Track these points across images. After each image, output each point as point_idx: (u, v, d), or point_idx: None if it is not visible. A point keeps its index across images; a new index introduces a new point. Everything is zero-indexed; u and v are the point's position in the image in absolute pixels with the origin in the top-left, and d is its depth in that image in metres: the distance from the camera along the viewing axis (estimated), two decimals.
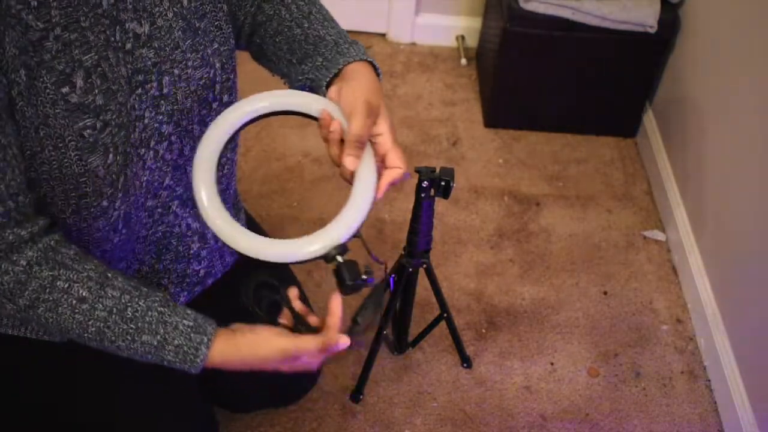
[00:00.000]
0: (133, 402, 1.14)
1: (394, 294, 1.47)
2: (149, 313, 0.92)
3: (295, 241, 0.96)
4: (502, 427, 1.55)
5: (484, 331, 1.72)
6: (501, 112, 2.22)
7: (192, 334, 0.93)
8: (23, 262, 0.89)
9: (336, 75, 1.03)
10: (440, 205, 1.93)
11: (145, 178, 1.03)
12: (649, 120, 2.18)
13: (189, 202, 1.12)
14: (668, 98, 2.09)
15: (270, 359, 0.95)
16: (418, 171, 1.27)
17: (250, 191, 1.98)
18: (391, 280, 1.47)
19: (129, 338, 0.92)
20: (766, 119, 1.55)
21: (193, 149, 1.06)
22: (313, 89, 1.08)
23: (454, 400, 1.59)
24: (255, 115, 1.01)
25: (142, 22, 0.95)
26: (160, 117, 1.00)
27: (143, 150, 1.01)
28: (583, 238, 1.95)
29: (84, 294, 0.90)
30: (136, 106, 0.97)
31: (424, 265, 1.44)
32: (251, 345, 0.95)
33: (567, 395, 1.61)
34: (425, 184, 1.27)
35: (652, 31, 2.00)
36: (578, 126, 2.24)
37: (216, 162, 0.99)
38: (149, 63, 0.97)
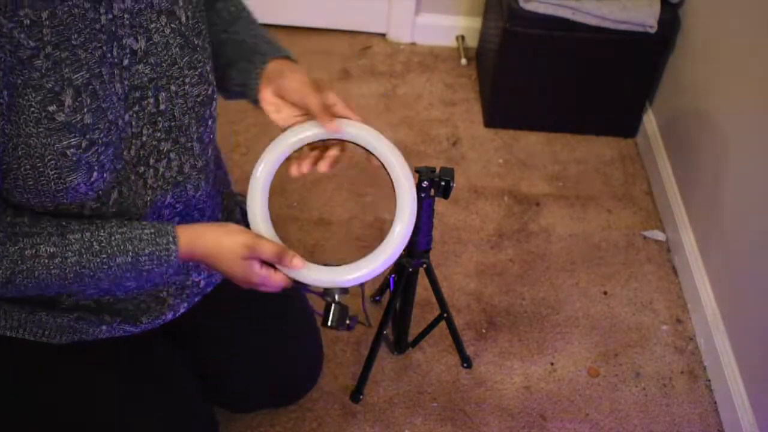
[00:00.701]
0: (133, 402, 1.14)
1: (394, 294, 1.47)
2: (112, 238, 0.97)
3: (336, 270, 1.06)
4: (502, 427, 1.55)
5: (484, 331, 1.72)
6: (501, 112, 2.22)
7: (157, 239, 0.99)
8: None
9: (259, 76, 1.08)
10: (440, 205, 1.93)
11: (148, 198, 1.03)
12: (649, 120, 2.18)
13: (188, 218, 1.12)
14: (668, 98, 2.09)
15: (232, 252, 1.00)
16: (418, 171, 1.27)
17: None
18: (392, 279, 1.47)
19: (105, 267, 0.97)
20: (766, 119, 1.55)
21: (193, 166, 1.07)
22: (246, 94, 1.12)
23: (454, 400, 1.59)
24: (302, 144, 1.07)
25: (139, 37, 0.95)
26: (158, 134, 1.00)
27: (142, 168, 1.01)
28: (583, 238, 1.95)
29: (51, 250, 0.94)
30: (133, 123, 0.97)
31: (424, 265, 1.44)
32: (216, 236, 1.01)
33: (567, 395, 1.61)
34: (425, 184, 1.27)
35: (652, 31, 2.00)
36: (578, 126, 2.24)
37: (268, 191, 1.08)
38: (145, 79, 0.97)
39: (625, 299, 1.81)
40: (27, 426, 1.13)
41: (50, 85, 0.87)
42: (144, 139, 0.99)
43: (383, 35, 2.54)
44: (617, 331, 1.74)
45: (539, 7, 2.00)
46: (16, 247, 0.93)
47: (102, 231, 0.97)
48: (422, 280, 1.48)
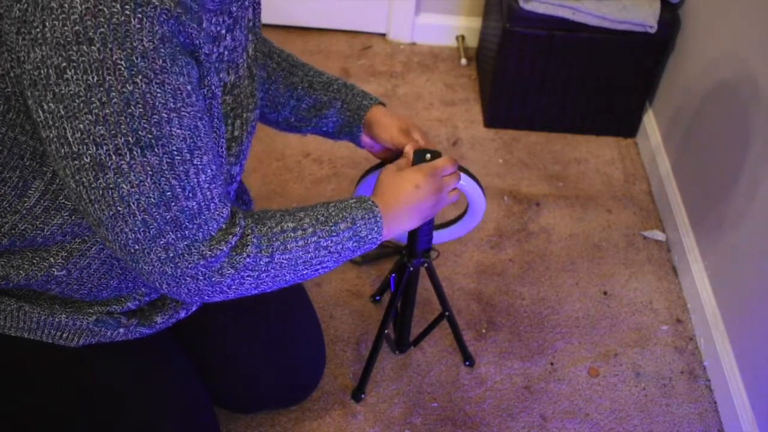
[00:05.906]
0: (134, 402, 1.14)
1: (395, 293, 1.47)
2: (328, 210, 1.04)
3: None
4: (502, 427, 1.55)
5: (484, 331, 1.72)
6: (501, 112, 2.22)
7: (361, 204, 1.07)
8: (246, 233, 0.96)
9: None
10: None
11: None
12: (649, 120, 2.18)
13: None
14: (668, 98, 2.09)
15: (414, 179, 1.12)
16: None
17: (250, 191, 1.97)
18: (392, 279, 1.47)
19: (335, 235, 1.03)
20: (765, 119, 1.55)
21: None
22: (338, 136, 1.31)
23: (454, 400, 1.59)
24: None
25: (230, 72, 1.00)
26: (232, 159, 1.05)
27: None
28: (583, 238, 1.95)
29: (292, 225, 1.01)
30: (219, 152, 1.00)
31: (425, 265, 1.44)
32: (395, 180, 1.12)
33: (567, 395, 1.61)
34: None
35: (652, 31, 2.00)
36: (578, 126, 2.25)
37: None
38: (228, 108, 1.02)
39: (625, 299, 1.81)
40: (29, 425, 1.13)
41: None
42: (225, 167, 1.04)
43: (383, 35, 2.54)
44: (617, 331, 1.74)
45: (539, 7, 2.00)
46: (266, 227, 0.99)
47: (318, 207, 1.05)
48: (423, 281, 1.49)
